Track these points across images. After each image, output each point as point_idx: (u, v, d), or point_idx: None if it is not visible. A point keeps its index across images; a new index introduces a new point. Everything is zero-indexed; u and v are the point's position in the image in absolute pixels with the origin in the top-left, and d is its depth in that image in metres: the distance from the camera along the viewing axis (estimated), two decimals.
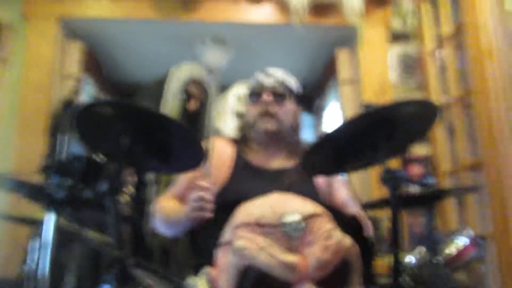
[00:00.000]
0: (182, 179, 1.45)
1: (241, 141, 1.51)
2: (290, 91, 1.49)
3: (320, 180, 1.47)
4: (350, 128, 1.11)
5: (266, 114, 1.44)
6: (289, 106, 1.49)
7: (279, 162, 1.47)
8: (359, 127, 1.08)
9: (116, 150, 1.00)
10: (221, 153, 1.44)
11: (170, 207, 1.38)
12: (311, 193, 1.28)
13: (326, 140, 1.16)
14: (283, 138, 1.48)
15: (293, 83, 1.52)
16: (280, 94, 1.47)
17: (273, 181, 1.35)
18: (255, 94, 1.49)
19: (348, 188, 1.53)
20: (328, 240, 0.75)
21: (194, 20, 2.72)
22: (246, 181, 1.37)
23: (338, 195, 1.47)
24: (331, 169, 1.30)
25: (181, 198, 1.40)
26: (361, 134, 1.08)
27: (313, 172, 1.38)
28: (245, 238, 0.75)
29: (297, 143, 1.50)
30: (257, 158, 1.46)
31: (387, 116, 1.06)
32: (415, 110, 1.09)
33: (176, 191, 1.45)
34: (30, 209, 1.67)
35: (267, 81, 1.48)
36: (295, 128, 1.51)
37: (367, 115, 1.06)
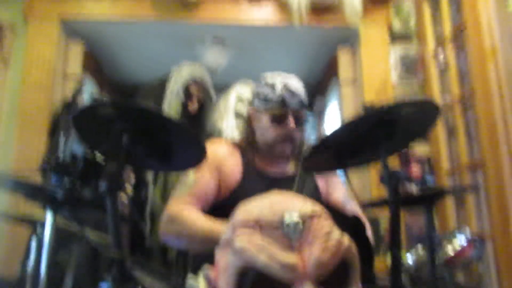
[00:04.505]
0: (201, 180, 1.37)
1: (246, 146, 1.49)
2: (307, 108, 1.45)
3: (321, 184, 1.47)
4: (350, 129, 1.11)
5: (288, 139, 1.42)
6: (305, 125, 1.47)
7: (285, 168, 1.47)
8: (359, 127, 1.08)
9: (116, 149, 1.00)
10: (229, 158, 1.44)
11: (204, 223, 1.27)
12: (316, 199, 1.28)
13: (327, 141, 1.16)
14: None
15: (305, 94, 1.46)
16: (302, 118, 1.43)
17: (280, 188, 1.34)
18: (279, 116, 1.41)
19: (345, 188, 1.53)
20: (328, 240, 0.75)
21: (194, 20, 2.72)
22: (255, 188, 1.33)
23: (336, 195, 1.47)
24: (331, 168, 1.30)
25: (203, 202, 1.36)
26: (362, 134, 1.08)
27: (313, 171, 1.38)
28: (244, 237, 0.75)
29: (302, 149, 1.50)
30: (264, 164, 1.46)
31: (388, 116, 1.06)
32: (417, 110, 1.09)
33: (196, 194, 1.36)
34: (30, 209, 1.67)
35: (293, 103, 1.40)
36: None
37: (368, 116, 1.06)
